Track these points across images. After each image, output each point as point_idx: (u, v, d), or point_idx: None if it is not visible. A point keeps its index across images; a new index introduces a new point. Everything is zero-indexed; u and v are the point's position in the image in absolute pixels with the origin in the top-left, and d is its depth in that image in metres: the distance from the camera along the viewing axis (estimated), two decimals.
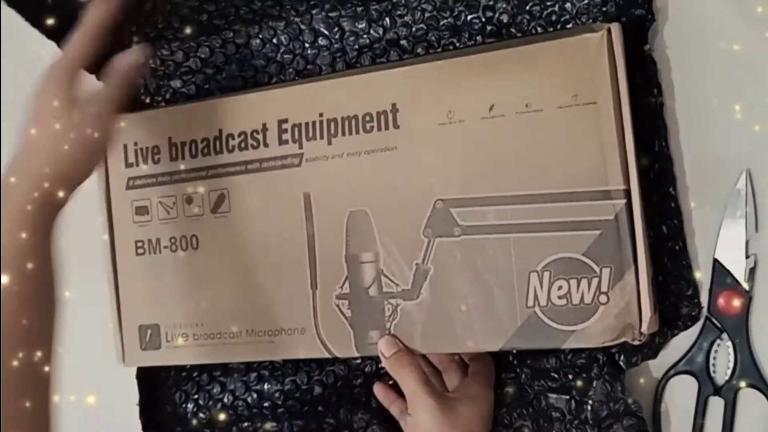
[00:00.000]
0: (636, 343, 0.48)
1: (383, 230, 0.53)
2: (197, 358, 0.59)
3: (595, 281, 0.49)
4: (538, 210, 0.50)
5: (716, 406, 0.53)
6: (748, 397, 0.52)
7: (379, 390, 0.58)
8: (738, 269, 0.52)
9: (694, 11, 0.53)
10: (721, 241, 0.52)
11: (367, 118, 0.53)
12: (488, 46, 0.52)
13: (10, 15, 0.66)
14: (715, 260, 0.52)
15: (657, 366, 0.54)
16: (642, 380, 0.54)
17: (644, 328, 0.48)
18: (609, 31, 0.48)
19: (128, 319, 0.60)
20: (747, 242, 0.51)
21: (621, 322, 0.48)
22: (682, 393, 0.53)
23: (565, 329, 0.49)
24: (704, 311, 0.52)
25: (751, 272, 0.51)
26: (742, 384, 0.52)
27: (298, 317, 0.55)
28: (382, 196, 0.53)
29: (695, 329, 0.53)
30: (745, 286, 0.51)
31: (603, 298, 0.48)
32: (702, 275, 0.53)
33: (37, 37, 0.63)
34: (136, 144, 0.60)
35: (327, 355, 0.55)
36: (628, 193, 0.48)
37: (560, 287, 0.49)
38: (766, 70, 0.52)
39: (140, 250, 0.60)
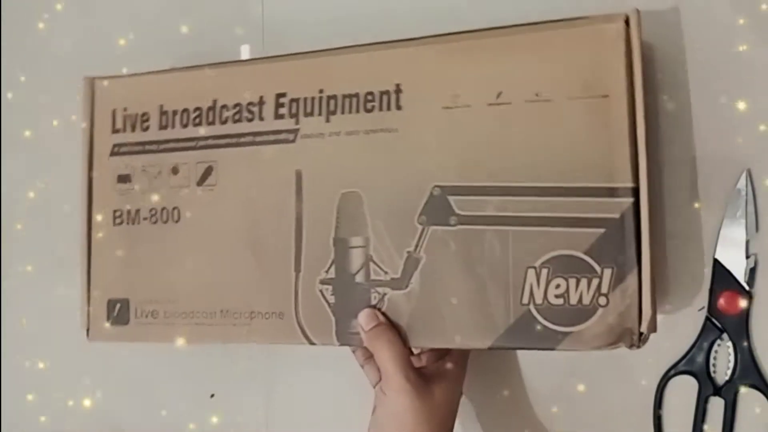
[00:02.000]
0: (633, 349, 0.45)
1: (375, 214, 0.50)
2: (165, 337, 0.55)
3: (595, 282, 0.46)
4: (541, 203, 0.47)
5: (716, 406, 0.52)
6: (748, 397, 0.51)
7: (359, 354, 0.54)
8: (738, 269, 0.51)
9: (698, 11, 0.52)
10: (721, 241, 0.51)
11: (369, 97, 0.51)
12: (501, 30, 0.50)
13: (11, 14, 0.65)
14: (715, 260, 0.51)
15: (657, 366, 0.53)
16: (642, 380, 0.53)
17: (643, 328, 0.45)
18: (627, 21, 0.46)
19: (98, 292, 0.57)
20: (747, 242, 0.51)
21: (619, 327, 0.45)
22: (682, 393, 0.52)
23: (561, 330, 0.46)
24: (704, 311, 0.51)
25: (752, 272, 0.51)
26: (742, 384, 0.51)
27: (277, 300, 0.52)
28: (377, 179, 0.50)
29: (695, 329, 0.52)
30: (746, 286, 0.51)
31: (602, 300, 0.46)
32: (702, 275, 0.52)
33: (37, 35, 0.61)
34: (125, 110, 0.57)
35: (305, 342, 0.52)
36: (636, 192, 0.46)
37: (558, 285, 0.47)
38: None
39: (118, 220, 0.57)
